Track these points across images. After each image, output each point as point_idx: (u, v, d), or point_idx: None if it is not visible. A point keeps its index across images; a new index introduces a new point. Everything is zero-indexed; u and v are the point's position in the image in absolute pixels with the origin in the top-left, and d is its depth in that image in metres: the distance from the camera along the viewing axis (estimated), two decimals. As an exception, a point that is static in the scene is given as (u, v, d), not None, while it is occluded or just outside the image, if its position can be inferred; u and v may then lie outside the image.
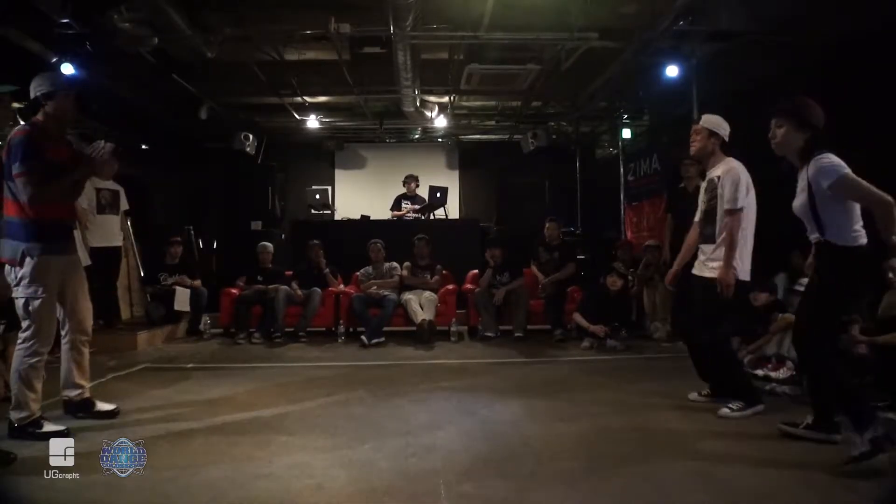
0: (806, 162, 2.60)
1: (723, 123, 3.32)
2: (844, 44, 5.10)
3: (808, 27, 5.30)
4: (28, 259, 2.84)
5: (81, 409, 3.15)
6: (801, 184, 2.62)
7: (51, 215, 2.92)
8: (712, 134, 3.28)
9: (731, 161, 3.25)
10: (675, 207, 5.51)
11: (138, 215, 6.91)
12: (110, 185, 5.56)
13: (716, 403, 3.34)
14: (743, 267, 3.16)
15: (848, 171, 2.47)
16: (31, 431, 2.81)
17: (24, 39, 5.32)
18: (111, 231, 5.53)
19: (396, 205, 8.00)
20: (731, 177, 3.15)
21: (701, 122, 3.33)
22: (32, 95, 2.99)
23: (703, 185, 3.41)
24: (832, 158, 2.50)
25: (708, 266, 3.23)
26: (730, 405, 3.18)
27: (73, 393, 3.15)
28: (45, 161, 2.86)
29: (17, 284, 2.88)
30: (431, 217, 7.90)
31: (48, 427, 2.84)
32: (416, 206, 7.88)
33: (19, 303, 2.89)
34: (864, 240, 2.54)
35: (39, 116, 2.99)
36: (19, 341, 2.90)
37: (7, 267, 2.91)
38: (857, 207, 2.55)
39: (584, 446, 2.73)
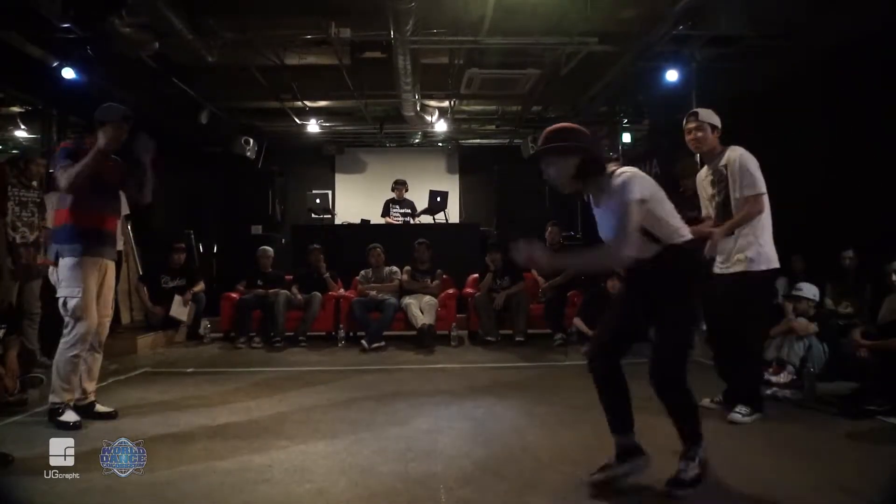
0: None
1: (715, 115, 3.28)
2: (844, 46, 5.11)
3: (807, 30, 5.32)
4: (63, 259, 3.04)
5: (83, 412, 3.17)
6: None
7: (90, 223, 3.11)
8: (714, 128, 3.23)
9: (736, 147, 3.18)
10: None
11: (138, 219, 6.93)
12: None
13: (727, 410, 3.33)
14: (770, 254, 3.12)
15: None
16: (55, 419, 3.01)
17: (26, 44, 5.34)
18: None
19: (385, 210, 7.99)
20: (742, 161, 3.09)
21: (700, 118, 3.24)
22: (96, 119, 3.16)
23: (708, 177, 3.32)
24: None
25: (732, 260, 3.14)
26: (739, 410, 3.12)
27: (77, 395, 3.19)
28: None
29: (60, 285, 3.08)
30: (418, 221, 7.89)
31: (66, 417, 3.01)
32: (406, 210, 7.88)
33: (60, 302, 3.08)
34: None
35: (92, 137, 3.16)
36: (63, 338, 3.08)
37: (50, 268, 3.17)
38: None
39: (584, 451, 2.71)
